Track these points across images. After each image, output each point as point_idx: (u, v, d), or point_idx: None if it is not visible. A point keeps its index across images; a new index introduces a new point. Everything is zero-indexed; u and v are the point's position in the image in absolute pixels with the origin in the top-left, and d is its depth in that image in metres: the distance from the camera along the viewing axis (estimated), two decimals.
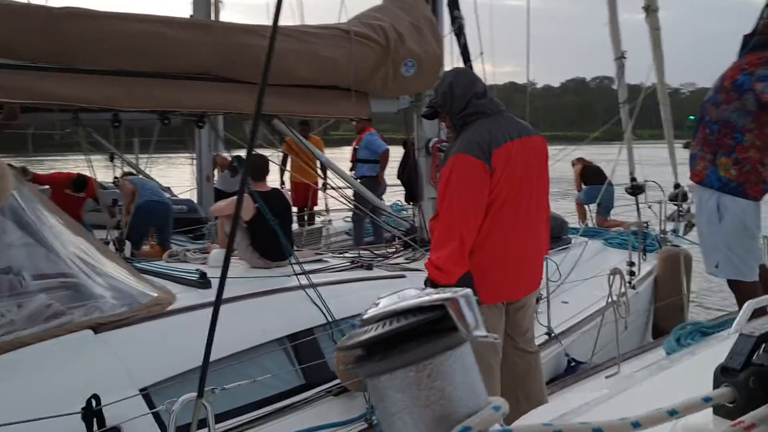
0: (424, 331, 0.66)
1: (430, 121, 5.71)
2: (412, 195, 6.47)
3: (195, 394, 2.04)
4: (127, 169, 8.79)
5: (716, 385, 0.94)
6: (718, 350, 1.51)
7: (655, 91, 7.80)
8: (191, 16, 7.77)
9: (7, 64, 4.26)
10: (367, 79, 5.42)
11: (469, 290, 0.67)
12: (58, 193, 7.55)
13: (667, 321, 6.06)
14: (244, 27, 5.06)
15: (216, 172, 9.10)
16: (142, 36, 4.47)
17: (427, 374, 0.66)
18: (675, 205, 8.54)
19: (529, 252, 3.28)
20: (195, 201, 8.85)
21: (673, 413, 0.78)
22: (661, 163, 9.72)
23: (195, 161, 8.90)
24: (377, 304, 0.70)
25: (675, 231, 8.21)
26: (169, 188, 9.41)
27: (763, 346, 0.96)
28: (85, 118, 5.35)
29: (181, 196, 9.34)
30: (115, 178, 7.41)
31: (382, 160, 8.58)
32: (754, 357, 0.94)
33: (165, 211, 7.43)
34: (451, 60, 6.19)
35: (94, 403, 2.65)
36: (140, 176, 7.78)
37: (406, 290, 0.71)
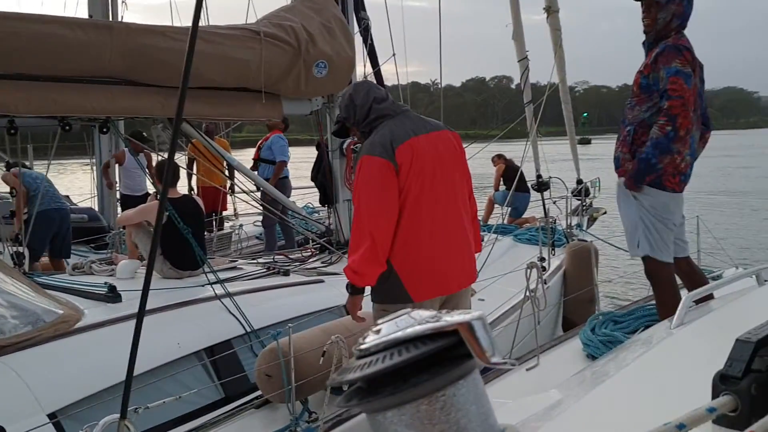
0: (431, 359, 0.61)
1: None
2: (327, 197, 6.40)
3: (117, 415, 1.92)
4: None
5: (715, 394, 0.92)
6: (648, 359, 1.52)
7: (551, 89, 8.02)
8: (90, 16, 7.35)
9: None
10: (279, 80, 5.32)
11: (482, 312, 0.62)
12: None
13: (577, 314, 6.23)
14: (149, 28, 4.85)
15: (117, 169, 8.58)
16: (39, 37, 4.20)
17: (440, 407, 0.61)
18: (578, 200, 8.86)
19: (455, 246, 3.29)
20: (96, 209, 8.42)
21: (681, 427, 0.76)
22: (557, 159, 10.07)
23: (95, 167, 8.45)
24: (378, 332, 0.64)
25: (579, 225, 8.48)
26: (68, 196, 8.91)
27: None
28: None
29: (81, 205, 8.86)
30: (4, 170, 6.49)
31: (276, 169, 8.27)
32: (753, 363, 0.92)
33: (64, 218, 6.89)
34: (363, 60, 6.18)
35: None
36: (31, 173, 6.85)
37: (403, 316, 0.65)
